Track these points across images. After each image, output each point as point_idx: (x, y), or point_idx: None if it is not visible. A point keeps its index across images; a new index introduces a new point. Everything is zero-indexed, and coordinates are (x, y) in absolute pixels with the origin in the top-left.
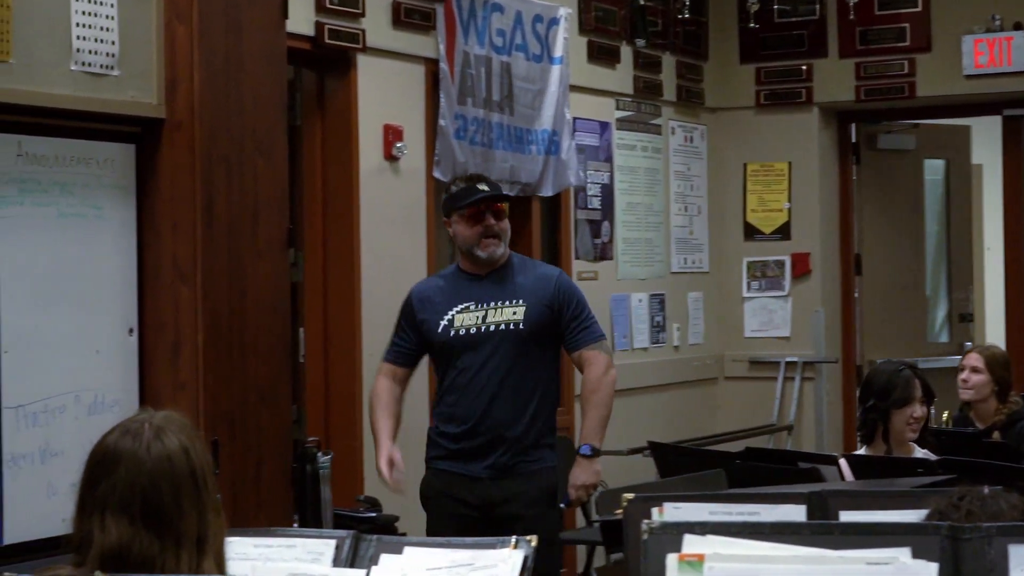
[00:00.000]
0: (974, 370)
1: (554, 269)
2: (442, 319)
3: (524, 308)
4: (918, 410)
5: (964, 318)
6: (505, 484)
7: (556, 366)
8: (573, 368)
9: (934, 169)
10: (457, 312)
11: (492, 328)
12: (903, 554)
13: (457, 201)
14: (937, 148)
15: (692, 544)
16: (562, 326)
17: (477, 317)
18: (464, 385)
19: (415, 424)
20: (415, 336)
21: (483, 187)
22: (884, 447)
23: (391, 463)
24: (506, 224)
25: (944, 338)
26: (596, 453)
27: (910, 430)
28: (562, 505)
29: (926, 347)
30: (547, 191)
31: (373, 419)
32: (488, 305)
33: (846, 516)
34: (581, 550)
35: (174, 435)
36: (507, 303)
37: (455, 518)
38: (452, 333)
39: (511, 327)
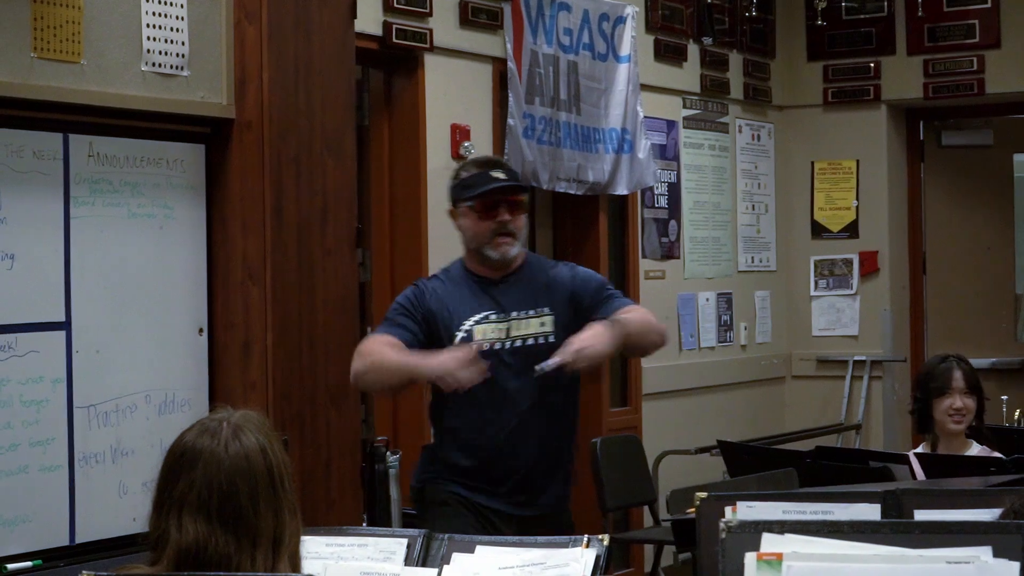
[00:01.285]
0: None
1: (567, 264)
2: (458, 330)
3: (552, 317)
4: (957, 401)
5: None
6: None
7: (578, 388)
8: (638, 364)
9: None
10: (476, 323)
11: (519, 344)
12: (984, 553)
13: (466, 190)
14: None
15: (771, 543)
16: (587, 307)
17: (500, 330)
18: (482, 412)
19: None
20: (424, 328)
21: (498, 174)
22: (933, 438)
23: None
24: (523, 221)
25: None
26: (621, 330)
27: (952, 421)
28: (538, 368)
29: (1014, 347)
30: (620, 190)
31: (385, 360)
32: (511, 315)
33: (921, 515)
34: (648, 550)
35: (252, 434)
36: (531, 312)
37: (475, 526)
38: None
39: (541, 342)
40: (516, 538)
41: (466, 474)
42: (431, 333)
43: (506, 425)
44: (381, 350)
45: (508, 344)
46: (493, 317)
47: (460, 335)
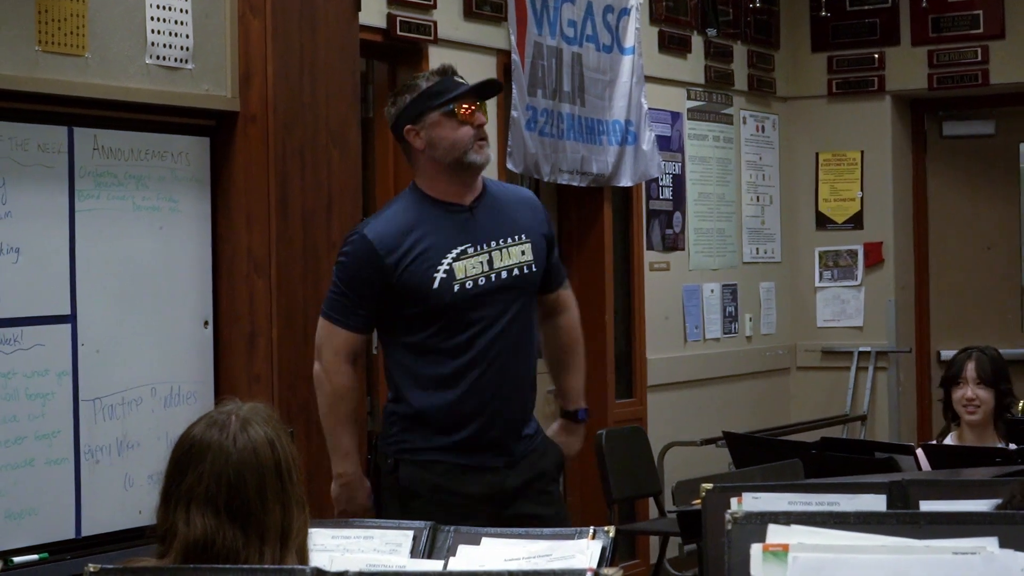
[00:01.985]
0: None
1: (526, 190)
2: (436, 270)
3: (530, 245)
4: (969, 391)
5: None
6: (519, 470)
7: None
8: (642, 356)
9: None
10: (455, 259)
11: (504, 276)
12: (990, 544)
13: (438, 97)
14: None
15: (776, 534)
16: (548, 264)
17: (482, 263)
18: (472, 357)
19: None
20: (380, 295)
21: (460, 79)
22: (957, 429)
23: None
24: None
25: None
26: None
27: (966, 411)
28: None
29: (1020, 338)
30: (625, 181)
31: (336, 427)
32: (490, 246)
33: (926, 505)
34: (655, 541)
35: (260, 427)
36: (510, 240)
37: (455, 517)
38: (456, 288)
39: (524, 271)
40: (523, 530)
41: (453, 428)
42: (404, 291)
43: (495, 363)
44: (337, 407)
45: (493, 277)
46: (471, 251)
47: (439, 276)
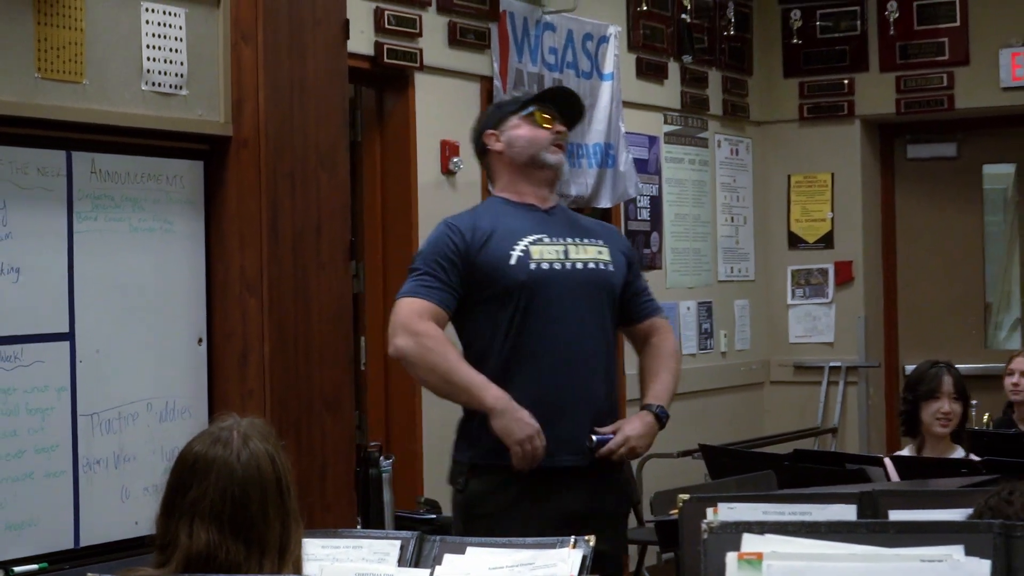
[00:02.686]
0: (1023, 374)
1: (607, 223)
2: (513, 249)
3: (608, 250)
4: (946, 405)
5: None
6: (591, 495)
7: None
8: (621, 370)
9: (995, 176)
10: (531, 243)
11: (580, 266)
12: (956, 551)
13: (517, 102)
14: (999, 152)
15: (751, 543)
16: (631, 289)
17: (557, 251)
18: (544, 340)
19: None
20: (463, 276)
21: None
22: (919, 440)
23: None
24: None
25: (1015, 344)
26: (666, 421)
27: (939, 424)
28: (590, 444)
29: (984, 353)
30: (604, 203)
31: (458, 367)
32: (566, 240)
33: (895, 515)
34: (633, 550)
35: (259, 442)
36: (586, 241)
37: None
38: (532, 267)
39: (601, 267)
40: (506, 539)
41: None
42: (482, 269)
43: (571, 351)
44: (446, 354)
45: (568, 266)
46: (547, 240)
47: (516, 254)
